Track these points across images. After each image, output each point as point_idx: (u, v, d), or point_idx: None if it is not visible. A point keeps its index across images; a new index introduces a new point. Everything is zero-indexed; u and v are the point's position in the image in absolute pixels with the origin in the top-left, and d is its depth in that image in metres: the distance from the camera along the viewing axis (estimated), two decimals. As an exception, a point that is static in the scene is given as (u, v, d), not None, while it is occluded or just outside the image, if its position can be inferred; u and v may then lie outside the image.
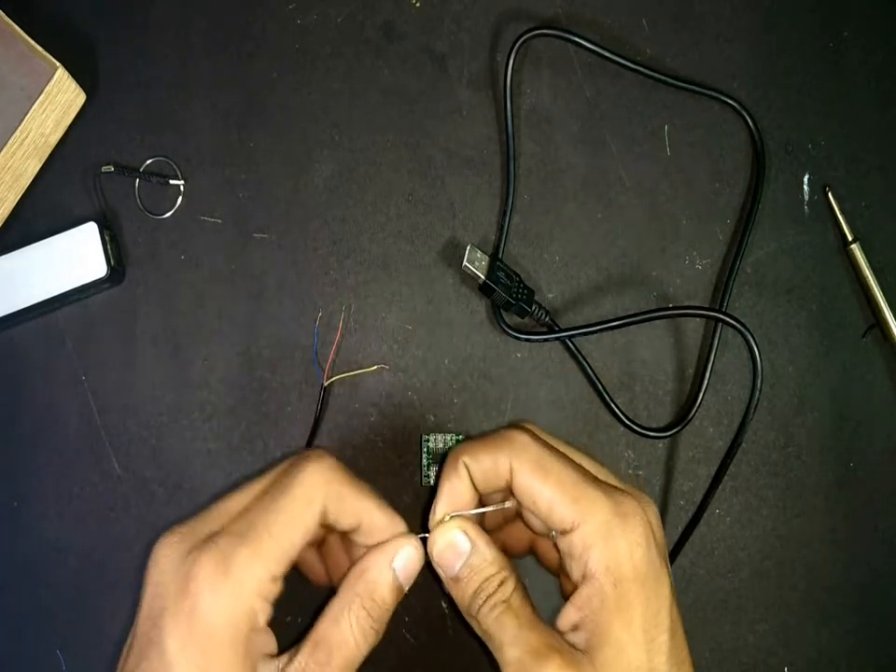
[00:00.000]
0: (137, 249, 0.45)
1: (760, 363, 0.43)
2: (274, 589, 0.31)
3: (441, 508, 0.34)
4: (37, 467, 0.44)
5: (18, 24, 0.42)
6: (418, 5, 0.48)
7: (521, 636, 0.31)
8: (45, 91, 0.42)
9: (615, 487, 0.33)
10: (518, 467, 0.33)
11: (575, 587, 0.32)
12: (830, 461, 0.46)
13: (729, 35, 0.48)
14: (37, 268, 0.43)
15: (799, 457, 0.46)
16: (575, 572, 0.32)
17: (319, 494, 0.32)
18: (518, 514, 0.37)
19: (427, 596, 0.44)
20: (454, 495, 0.34)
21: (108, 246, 0.44)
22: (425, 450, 0.44)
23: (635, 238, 0.47)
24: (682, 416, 0.46)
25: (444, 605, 0.44)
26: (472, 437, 0.37)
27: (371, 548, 0.34)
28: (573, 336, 0.45)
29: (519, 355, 0.46)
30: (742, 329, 0.42)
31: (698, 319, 0.46)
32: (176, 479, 0.44)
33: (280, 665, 0.31)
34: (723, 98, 0.47)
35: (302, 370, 0.44)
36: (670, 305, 0.46)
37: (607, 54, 0.46)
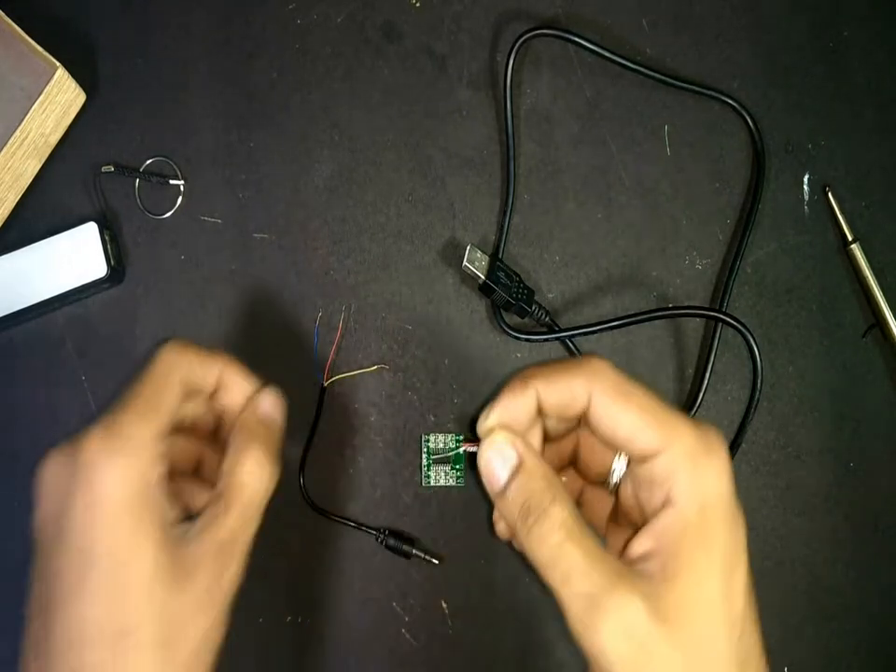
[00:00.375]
0: (137, 249, 0.45)
1: (760, 363, 0.43)
2: (160, 447, 0.32)
3: (494, 416, 0.33)
4: (37, 467, 0.44)
5: (18, 24, 0.42)
6: (418, 5, 0.48)
7: (587, 567, 0.30)
8: (45, 91, 0.42)
9: (688, 418, 0.32)
10: (599, 391, 0.32)
11: (643, 522, 0.31)
12: (830, 461, 0.46)
13: (729, 35, 0.48)
14: (37, 268, 0.43)
15: (799, 457, 0.46)
16: (654, 500, 0.31)
17: (176, 362, 0.34)
18: (571, 463, 0.36)
19: (427, 596, 0.44)
20: (511, 409, 0.33)
21: (108, 246, 0.44)
22: (425, 450, 0.44)
23: (635, 238, 0.47)
24: (682, 416, 0.46)
25: (444, 605, 0.44)
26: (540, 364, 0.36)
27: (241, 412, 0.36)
28: (573, 336, 0.45)
29: (519, 355, 0.46)
30: (742, 329, 0.42)
31: (698, 319, 0.46)
32: (176, 479, 0.44)
33: (182, 529, 0.32)
34: (723, 98, 0.47)
35: (302, 370, 0.44)
36: (670, 305, 0.46)
37: (607, 54, 0.46)
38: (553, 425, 0.35)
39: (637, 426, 0.31)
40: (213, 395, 0.36)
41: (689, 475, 0.30)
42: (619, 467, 0.34)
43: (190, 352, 0.35)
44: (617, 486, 0.34)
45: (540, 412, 0.33)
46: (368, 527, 0.43)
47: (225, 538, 0.33)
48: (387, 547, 0.43)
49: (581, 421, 0.33)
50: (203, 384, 0.36)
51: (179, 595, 0.31)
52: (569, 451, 0.36)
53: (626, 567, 0.30)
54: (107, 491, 0.31)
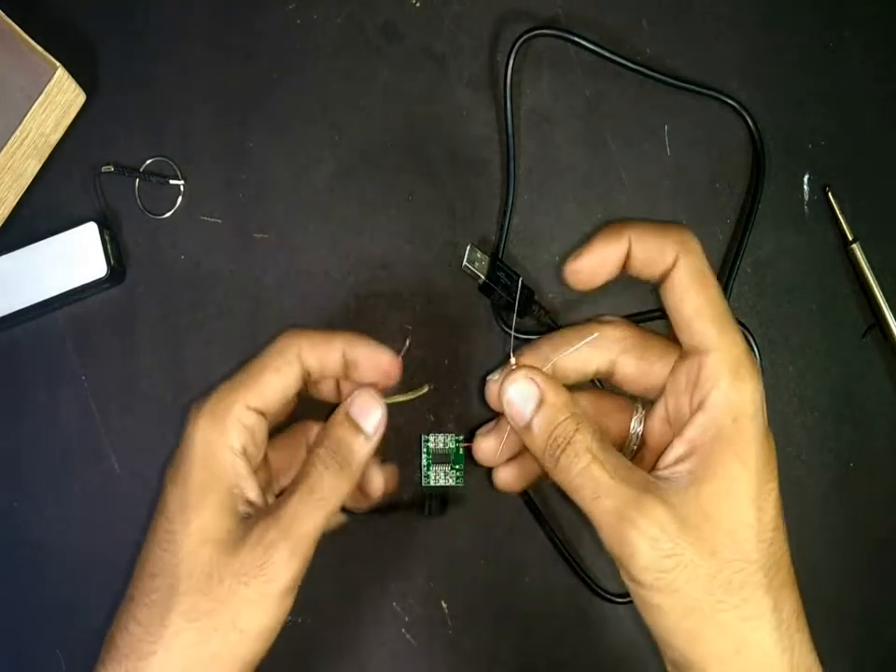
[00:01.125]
0: (137, 249, 0.45)
1: (760, 363, 0.43)
2: (253, 420, 0.34)
3: (587, 258, 0.34)
4: (37, 467, 0.44)
5: (18, 24, 0.42)
6: (418, 5, 0.48)
7: (614, 484, 0.30)
8: (45, 91, 0.42)
9: None
10: (684, 263, 0.32)
11: (682, 417, 0.32)
12: (830, 461, 0.46)
13: (729, 35, 0.48)
14: (37, 268, 0.43)
15: (799, 457, 0.46)
16: (693, 403, 0.32)
17: (292, 343, 0.35)
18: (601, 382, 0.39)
19: (427, 596, 0.44)
20: (603, 254, 0.34)
21: (108, 246, 0.44)
22: (424, 450, 0.44)
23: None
24: (682, 416, 0.46)
25: (444, 605, 0.44)
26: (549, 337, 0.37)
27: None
28: (573, 336, 0.45)
29: (519, 355, 0.46)
30: (742, 329, 0.42)
31: (698, 319, 0.46)
32: (176, 479, 0.44)
33: (252, 508, 0.34)
34: (723, 98, 0.47)
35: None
36: (670, 305, 0.46)
37: (607, 54, 0.46)
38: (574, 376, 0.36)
39: (701, 314, 0.32)
40: (347, 375, 0.37)
41: (730, 383, 0.31)
42: (637, 427, 0.34)
43: (311, 333, 0.36)
44: (635, 450, 0.35)
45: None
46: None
47: (284, 522, 0.32)
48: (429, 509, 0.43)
49: (601, 381, 0.36)
50: (326, 366, 0.36)
51: (220, 556, 0.32)
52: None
53: (653, 479, 0.31)
54: (189, 447, 0.33)
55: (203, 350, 0.45)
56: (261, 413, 0.34)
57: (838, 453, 0.46)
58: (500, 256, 0.46)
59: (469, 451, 0.43)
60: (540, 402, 0.33)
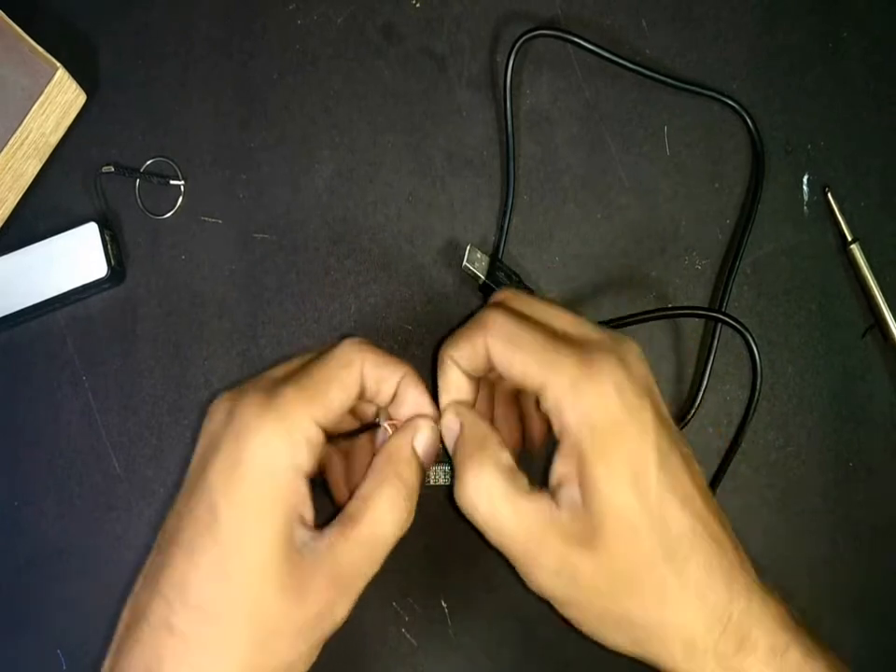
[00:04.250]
0: (137, 249, 0.45)
1: (759, 363, 0.43)
2: (318, 438, 0.32)
3: (442, 401, 0.36)
4: (37, 467, 0.44)
5: (18, 25, 0.42)
6: (418, 5, 0.48)
7: (515, 526, 0.32)
8: (45, 91, 0.42)
9: (588, 341, 0.33)
10: (492, 345, 0.34)
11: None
12: (830, 461, 0.46)
13: (729, 35, 0.48)
14: (38, 268, 0.43)
15: (799, 457, 0.46)
16: (556, 431, 0.33)
17: (357, 358, 0.34)
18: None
19: (428, 596, 0.44)
20: (449, 388, 0.36)
21: (109, 247, 0.44)
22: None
23: (634, 238, 0.47)
24: (682, 416, 0.46)
25: (444, 605, 0.44)
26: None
27: (394, 433, 0.36)
28: (573, 336, 0.45)
29: (519, 355, 0.46)
30: (742, 329, 0.42)
31: (698, 319, 0.46)
32: (177, 479, 0.44)
33: (310, 536, 0.32)
34: (723, 98, 0.47)
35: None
36: (670, 305, 0.46)
37: (606, 55, 0.46)
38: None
39: (524, 368, 0.33)
40: (386, 403, 0.36)
41: (571, 404, 0.32)
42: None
43: (375, 353, 0.35)
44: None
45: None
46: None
47: (345, 570, 0.32)
48: None
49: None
50: (380, 390, 0.35)
51: (282, 604, 0.30)
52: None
53: (552, 511, 0.32)
54: (250, 459, 0.30)
55: (203, 350, 0.45)
56: (323, 430, 0.32)
57: (838, 453, 0.46)
58: (500, 256, 0.46)
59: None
60: (462, 428, 0.35)
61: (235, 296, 0.45)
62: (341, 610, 0.32)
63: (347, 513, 0.33)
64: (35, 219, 0.45)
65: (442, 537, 0.44)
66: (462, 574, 0.44)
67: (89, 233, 0.43)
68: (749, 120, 0.47)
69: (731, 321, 0.42)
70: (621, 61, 0.46)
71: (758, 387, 0.44)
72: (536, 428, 0.40)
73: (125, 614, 0.31)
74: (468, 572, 0.44)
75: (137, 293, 0.45)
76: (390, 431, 0.36)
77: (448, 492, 0.43)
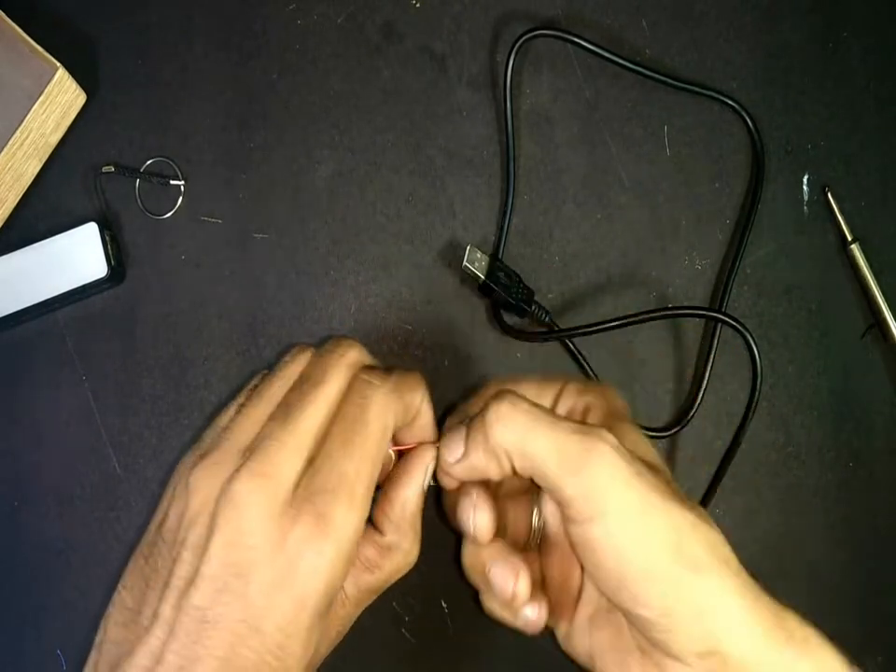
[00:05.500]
0: (137, 249, 0.45)
1: (760, 363, 0.43)
2: (363, 528, 0.32)
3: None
4: (37, 467, 0.44)
5: (18, 24, 0.42)
6: (418, 5, 0.48)
7: None
8: (45, 91, 0.42)
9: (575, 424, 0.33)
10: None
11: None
12: (830, 461, 0.46)
13: (729, 35, 0.48)
14: (38, 268, 0.43)
15: (799, 457, 0.46)
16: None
17: (391, 419, 0.33)
18: None
19: (427, 596, 0.44)
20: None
21: (109, 247, 0.44)
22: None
23: (634, 238, 0.47)
24: (682, 416, 0.46)
25: (444, 605, 0.44)
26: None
27: (404, 478, 0.35)
28: (573, 336, 0.45)
29: (519, 355, 0.46)
30: (742, 329, 0.42)
31: (698, 319, 0.46)
32: (176, 479, 0.44)
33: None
34: (723, 98, 0.47)
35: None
36: (670, 305, 0.46)
37: (606, 55, 0.46)
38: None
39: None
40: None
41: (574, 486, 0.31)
42: (536, 521, 0.36)
43: (403, 395, 0.34)
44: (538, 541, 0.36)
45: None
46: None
47: (349, 613, 0.34)
48: None
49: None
50: (402, 426, 0.35)
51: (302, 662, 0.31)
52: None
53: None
54: (308, 587, 0.30)
55: (203, 350, 0.45)
56: None
57: (838, 453, 0.46)
58: (500, 256, 0.46)
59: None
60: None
61: (235, 296, 0.45)
62: (333, 644, 0.34)
63: (364, 562, 0.34)
64: (35, 219, 0.45)
65: (442, 537, 0.44)
66: (462, 574, 0.44)
67: (89, 233, 0.43)
68: (748, 120, 0.47)
69: (731, 321, 0.42)
70: (621, 61, 0.46)
71: (758, 387, 0.44)
72: None
73: None
74: (468, 572, 0.44)
75: (137, 293, 0.45)
76: (394, 457, 0.36)
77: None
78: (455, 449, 0.34)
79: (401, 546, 0.35)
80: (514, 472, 0.34)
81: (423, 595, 0.44)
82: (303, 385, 0.34)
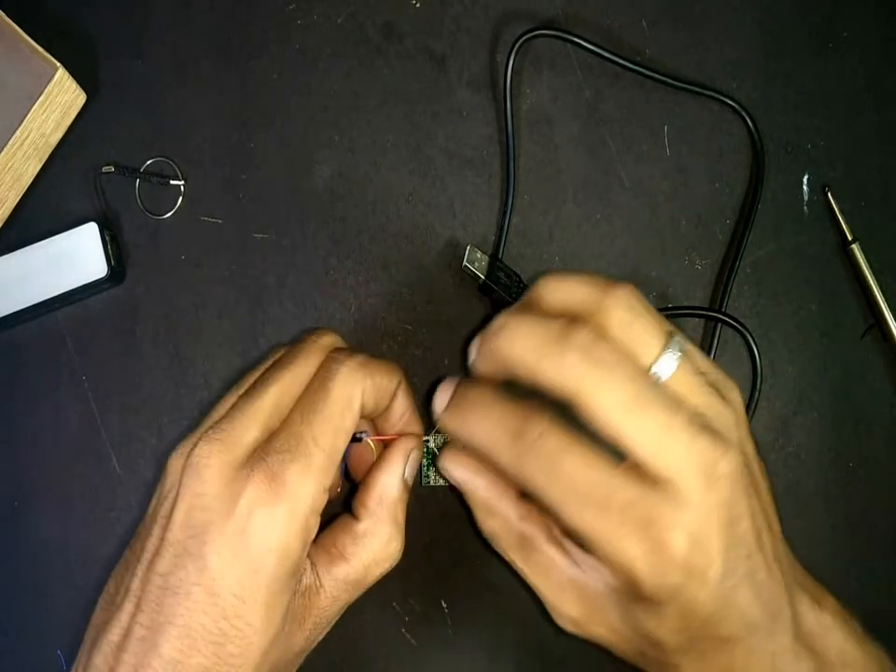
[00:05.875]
0: (137, 249, 0.45)
1: (760, 363, 0.43)
2: (324, 500, 0.31)
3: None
4: (37, 467, 0.44)
5: (18, 24, 0.42)
6: (418, 5, 0.48)
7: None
8: (45, 91, 0.42)
9: None
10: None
11: None
12: (830, 461, 0.46)
13: (729, 35, 0.48)
14: (38, 268, 0.43)
15: (799, 457, 0.46)
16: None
17: (357, 392, 0.33)
18: None
19: (428, 596, 0.44)
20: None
21: (109, 247, 0.44)
22: (424, 450, 0.44)
23: (634, 238, 0.47)
24: (682, 416, 0.46)
25: (444, 605, 0.44)
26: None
27: (384, 464, 0.35)
28: (573, 336, 0.45)
29: (519, 355, 0.46)
30: (742, 329, 0.42)
31: (698, 319, 0.46)
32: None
33: (305, 578, 0.32)
34: (723, 98, 0.47)
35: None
36: (670, 305, 0.46)
37: (606, 55, 0.46)
38: None
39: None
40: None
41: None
42: None
43: (373, 372, 0.34)
44: None
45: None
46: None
47: (329, 606, 0.33)
48: None
49: None
50: (374, 408, 0.35)
51: (274, 654, 0.31)
52: None
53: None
54: (262, 552, 0.30)
55: (203, 350, 0.45)
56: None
57: (838, 453, 0.46)
58: (500, 256, 0.46)
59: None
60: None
61: (235, 296, 0.45)
62: (312, 639, 0.33)
63: (339, 550, 0.34)
64: (34, 219, 0.45)
65: (442, 537, 0.44)
66: (462, 574, 0.44)
67: (89, 233, 0.43)
68: (748, 120, 0.47)
69: (731, 321, 0.42)
70: (621, 61, 0.46)
71: (758, 387, 0.44)
72: None
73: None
74: (468, 572, 0.44)
75: (137, 293, 0.45)
76: (374, 449, 0.36)
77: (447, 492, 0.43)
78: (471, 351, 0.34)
79: (377, 534, 0.34)
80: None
81: (423, 595, 0.44)
82: (274, 367, 0.34)
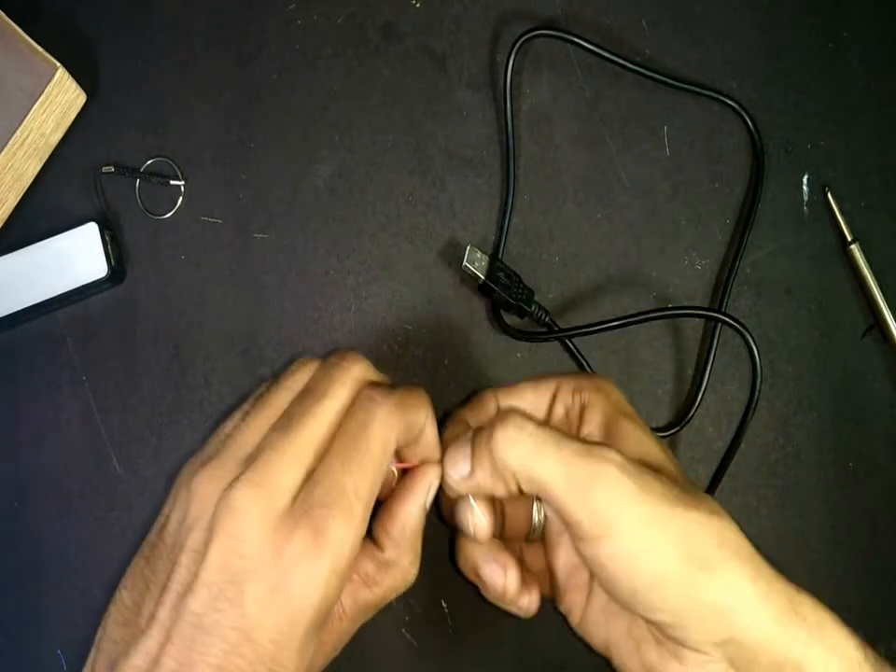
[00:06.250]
0: (138, 249, 0.45)
1: (759, 363, 0.43)
2: (360, 544, 0.32)
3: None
4: (37, 467, 0.44)
5: (18, 25, 0.42)
6: (418, 5, 0.48)
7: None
8: (45, 91, 0.42)
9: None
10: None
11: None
12: (830, 461, 0.46)
13: (729, 35, 0.48)
14: (38, 268, 0.43)
15: (798, 457, 0.46)
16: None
17: (393, 437, 0.33)
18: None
19: (427, 596, 0.44)
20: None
21: (109, 247, 0.44)
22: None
23: (634, 238, 0.47)
24: (682, 416, 0.46)
25: (444, 605, 0.44)
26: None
27: (407, 494, 0.36)
28: (573, 336, 0.45)
29: (519, 355, 0.46)
30: (741, 329, 0.42)
31: (697, 319, 0.46)
32: (176, 479, 0.44)
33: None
34: (723, 98, 0.47)
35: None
36: (669, 305, 0.46)
37: (606, 55, 0.46)
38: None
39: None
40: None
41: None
42: (538, 515, 0.36)
43: (406, 414, 0.34)
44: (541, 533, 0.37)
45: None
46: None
47: (346, 629, 0.34)
48: None
49: None
50: (405, 444, 0.35)
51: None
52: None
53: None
54: (302, 600, 0.30)
55: (203, 350, 0.45)
56: None
57: (838, 453, 0.46)
58: (500, 256, 0.46)
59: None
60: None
61: (235, 296, 0.45)
62: (330, 657, 0.34)
63: (361, 576, 0.34)
64: (34, 219, 0.45)
65: (443, 537, 0.44)
66: (457, 570, 0.44)
67: (89, 233, 0.43)
68: (748, 120, 0.47)
69: (731, 321, 0.42)
70: (621, 61, 0.46)
71: (758, 387, 0.44)
72: None
73: None
74: (468, 572, 0.44)
75: (137, 293, 0.45)
76: (397, 474, 0.36)
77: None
78: (460, 467, 0.35)
79: (400, 563, 0.35)
80: (520, 491, 0.34)
81: (423, 595, 0.44)
82: (306, 397, 0.34)
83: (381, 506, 0.36)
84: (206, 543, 0.30)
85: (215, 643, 0.29)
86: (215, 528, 0.30)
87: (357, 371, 0.35)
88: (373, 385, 0.35)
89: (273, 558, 0.30)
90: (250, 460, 0.32)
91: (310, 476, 0.32)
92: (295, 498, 0.31)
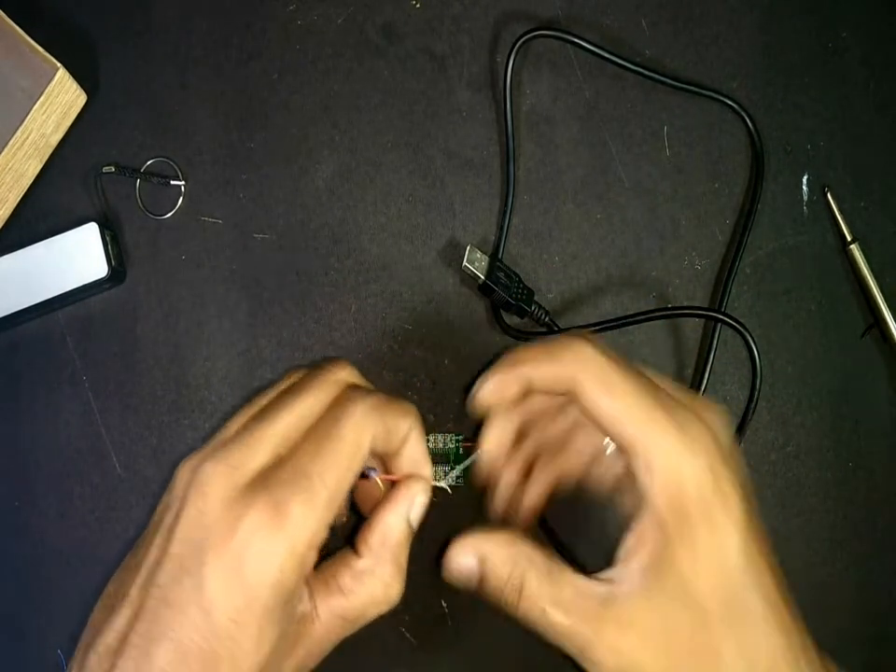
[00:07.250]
0: (138, 249, 0.45)
1: (759, 363, 0.43)
2: (324, 536, 0.31)
3: (484, 393, 0.35)
4: (37, 467, 0.44)
5: (19, 25, 0.42)
6: (418, 5, 0.48)
7: (569, 627, 0.31)
8: (46, 91, 0.42)
9: (681, 403, 0.32)
10: (583, 380, 0.32)
11: (633, 511, 0.32)
12: (830, 461, 0.46)
13: (729, 35, 0.49)
14: (38, 268, 0.43)
15: (798, 457, 0.46)
16: (634, 495, 0.32)
17: (367, 436, 0.33)
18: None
19: (427, 596, 0.44)
20: (500, 389, 0.35)
21: (109, 247, 0.44)
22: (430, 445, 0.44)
23: (634, 238, 0.47)
24: (682, 416, 0.46)
25: (444, 604, 0.44)
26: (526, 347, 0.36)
27: (390, 505, 0.35)
28: (573, 336, 0.45)
29: (519, 355, 0.46)
30: (741, 329, 0.42)
31: (697, 319, 0.46)
32: (176, 479, 0.44)
33: (301, 608, 0.32)
34: (723, 98, 0.47)
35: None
36: (669, 305, 0.46)
37: (606, 55, 0.46)
38: (543, 400, 0.36)
39: (618, 418, 0.31)
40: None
41: (664, 473, 0.30)
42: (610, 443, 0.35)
43: (385, 413, 0.33)
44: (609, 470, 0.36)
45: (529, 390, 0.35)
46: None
47: (324, 640, 0.33)
48: None
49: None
50: (385, 449, 0.34)
51: None
52: (561, 431, 0.37)
53: (608, 595, 0.31)
54: (258, 576, 0.30)
55: (203, 350, 0.45)
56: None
57: (838, 453, 0.46)
58: (500, 256, 0.46)
59: (469, 450, 0.42)
60: (482, 576, 0.35)
61: (235, 296, 0.45)
62: (302, 667, 0.33)
63: (338, 584, 0.33)
64: (35, 219, 0.45)
65: (443, 537, 0.44)
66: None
67: (89, 233, 0.43)
68: (748, 120, 0.47)
69: (731, 321, 0.42)
70: (621, 61, 0.46)
71: (758, 387, 0.44)
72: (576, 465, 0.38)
73: None
74: (468, 572, 0.44)
75: (137, 293, 0.45)
76: (382, 487, 0.36)
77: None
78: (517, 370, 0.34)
79: (377, 574, 0.34)
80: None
81: (423, 595, 0.44)
82: (287, 394, 0.34)
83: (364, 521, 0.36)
84: (176, 518, 0.31)
85: (176, 618, 0.29)
86: (184, 504, 0.31)
87: (340, 374, 0.35)
88: (355, 387, 0.35)
89: (230, 531, 0.30)
90: (225, 443, 0.33)
91: (280, 462, 0.32)
92: (261, 478, 0.31)
